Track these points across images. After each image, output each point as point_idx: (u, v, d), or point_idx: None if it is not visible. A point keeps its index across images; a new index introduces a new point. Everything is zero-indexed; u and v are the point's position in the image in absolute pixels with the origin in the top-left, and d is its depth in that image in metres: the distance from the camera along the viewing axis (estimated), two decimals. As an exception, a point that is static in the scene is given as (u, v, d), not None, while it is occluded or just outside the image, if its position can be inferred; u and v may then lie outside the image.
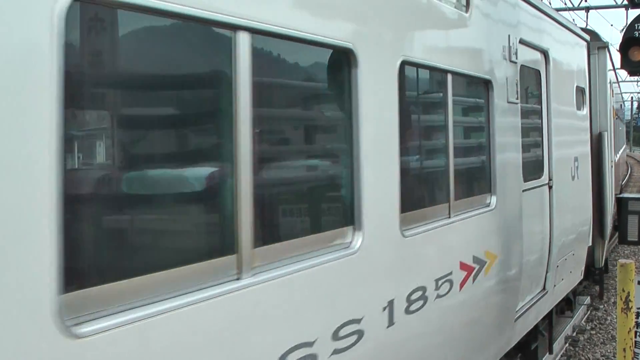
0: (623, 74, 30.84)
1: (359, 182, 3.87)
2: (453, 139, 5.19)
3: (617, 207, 11.00)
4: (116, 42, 2.70)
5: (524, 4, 7.12)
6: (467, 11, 5.54)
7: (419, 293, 4.55)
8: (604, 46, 11.45)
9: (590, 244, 10.39)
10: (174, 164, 3.00)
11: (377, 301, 4.07)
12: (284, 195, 3.62)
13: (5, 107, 2.13)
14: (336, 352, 3.63)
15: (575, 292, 10.55)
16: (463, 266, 5.29)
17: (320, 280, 3.55)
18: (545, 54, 7.81)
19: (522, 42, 6.91)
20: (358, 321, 3.83)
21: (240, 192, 3.04)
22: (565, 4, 27.23)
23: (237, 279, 3.04)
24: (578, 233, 9.30)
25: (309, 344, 3.43)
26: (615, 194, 13.13)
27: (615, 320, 9.60)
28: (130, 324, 2.50)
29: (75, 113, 2.50)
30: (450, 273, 5.05)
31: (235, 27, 3.03)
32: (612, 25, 56.98)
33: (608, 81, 11.75)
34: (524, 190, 6.87)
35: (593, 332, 11.04)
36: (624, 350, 6.20)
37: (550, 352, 8.69)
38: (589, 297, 11.77)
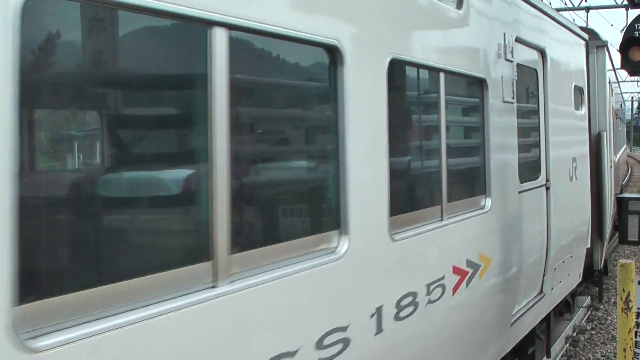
0: (623, 74, 30.71)
1: (345, 185, 3.72)
2: (446, 140, 5.05)
3: (618, 207, 10.94)
4: (78, 39, 2.55)
5: (521, 2, 6.98)
6: (460, 8, 5.40)
7: (410, 299, 4.40)
8: (603, 45, 11.29)
9: (589, 245, 10.24)
10: (144, 166, 2.86)
11: (365, 308, 3.92)
12: (264, 199, 3.47)
13: None
14: None
15: (574, 294, 10.42)
16: (456, 270, 5.14)
17: (302, 287, 3.40)
18: (542, 52, 7.66)
19: (518, 40, 6.77)
20: (344, 329, 3.68)
21: (215, 196, 2.89)
22: (565, 4, 27.20)
23: (213, 286, 2.89)
24: (576, 235, 9.16)
25: (291, 354, 3.28)
26: (615, 194, 13.02)
27: (615, 320, 9.55)
28: (93, 336, 2.35)
29: (33, 113, 2.35)
30: (443, 277, 4.90)
31: (211, 23, 2.89)
32: (612, 25, 56.95)
33: (607, 80, 11.60)
34: (520, 192, 6.72)
35: (593, 332, 10.98)
36: (624, 350, 6.17)
37: (548, 355, 8.55)
38: (589, 297, 11.68)
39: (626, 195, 12.17)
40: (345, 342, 3.69)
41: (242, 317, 3.01)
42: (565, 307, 10.13)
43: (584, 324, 11.14)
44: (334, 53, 3.71)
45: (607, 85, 11.62)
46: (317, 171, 3.86)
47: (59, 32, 2.45)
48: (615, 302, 11.45)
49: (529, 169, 7.40)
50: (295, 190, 3.72)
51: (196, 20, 2.84)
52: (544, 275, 7.66)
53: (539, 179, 7.55)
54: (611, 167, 12.29)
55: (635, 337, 6.21)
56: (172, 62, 2.96)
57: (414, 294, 4.46)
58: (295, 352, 3.31)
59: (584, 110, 9.72)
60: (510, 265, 6.40)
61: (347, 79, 3.74)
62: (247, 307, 3.03)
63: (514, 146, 6.61)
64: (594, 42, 11.09)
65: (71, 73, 2.55)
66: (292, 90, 3.72)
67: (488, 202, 5.84)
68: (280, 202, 3.59)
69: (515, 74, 6.64)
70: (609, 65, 12.53)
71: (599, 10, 28.57)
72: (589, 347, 10.29)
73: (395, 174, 4.40)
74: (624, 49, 10.58)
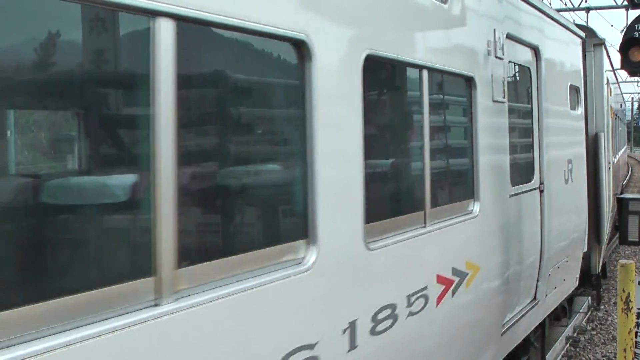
0: (623, 74, 30.43)
1: (313, 189, 3.43)
2: (429, 141, 4.75)
3: (618, 208, 10.79)
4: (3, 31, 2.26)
5: None
6: (445, 2, 5.11)
7: (388, 311, 4.12)
8: (600, 43, 10.99)
9: (586, 249, 9.95)
10: (79, 171, 2.58)
11: (336, 323, 3.63)
12: (218, 206, 3.17)
13: None
14: None
15: (571, 299, 10.14)
16: (440, 279, 4.85)
17: (263, 303, 3.11)
18: (535, 50, 7.37)
19: (509, 37, 6.48)
20: (311, 347, 3.40)
21: (159, 203, 2.60)
22: (566, 4, 27.05)
23: (155, 305, 2.61)
24: (572, 239, 8.86)
25: None
26: (614, 194, 12.79)
27: (616, 321, 9.39)
28: None
29: None
30: (425, 288, 4.61)
31: (154, 13, 2.60)
32: (612, 25, 56.72)
33: (605, 79, 11.30)
34: (511, 196, 6.44)
35: (594, 332, 10.87)
36: (625, 350, 6.13)
37: None
38: (589, 298, 11.49)
39: (626, 195, 12.06)
40: None
41: (190, 338, 2.72)
42: (563, 311, 9.86)
43: (585, 324, 10.99)
44: (301, 48, 3.43)
45: (605, 84, 11.32)
46: (281, 175, 3.57)
47: None
48: (615, 303, 11.35)
49: (522, 172, 7.12)
50: (256, 195, 3.42)
51: (136, 9, 2.56)
52: (537, 281, 7.37)
53: (533, 181, 7.27)
54: (609, 168, 12.00)
55: (636, 337, 6.17)
56: (109, 58, 2.67)
57: (392, 306, 4.17)
58: None
59: (580, 110, 9.43)
60: (500, 273, 6.11)
61: (316, 75, 3.46)
62: (196, 328, 2.74)
63: (505, 148, 6.33)
64: (590, 40, 10.79)
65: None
66: (252, 88, 3.42)
67: (476, 207, 5.55)
68: (238, 210, 3.29)
69: (506, 72, 6.35)
70: (607, 65, 12.24)
71: (599, 11, 28.47)
72: (589, 347, 10.20)
73: (372, 178, 4.12)
74: (624, 49, 10.52)
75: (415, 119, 4.74)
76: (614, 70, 16.21)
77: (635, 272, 6.16)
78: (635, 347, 6.18)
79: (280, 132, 3.61)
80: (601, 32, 11.35)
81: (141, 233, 2.66)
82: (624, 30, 11.37)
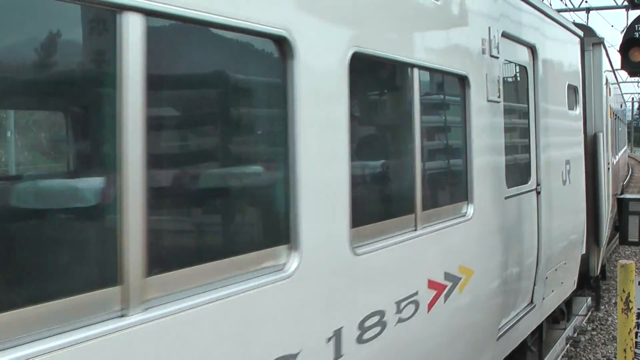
0: (624, 74, 30.30)
1: (295, 193, 3.29)
2: (420, 142, 4.60)
3: (618, 208, 10.73)
4: None
5: None
6: None
7: (376, 318, 3.97)
8: (599, 42, 10.82)
9: (585, 251, 9.79)
10: (41, 174, 2.43)
11: (319, 331, 3.48)
12: (192, 210, 3.02)
13: None
14: None
15: (569, 301, 9.99)
16: (432, 284, 4.70)
17: (241, 312, 2.96)
18: (532, 49, 7.22)
19: (505, 35, 6.33)
20: (293, 357, 3.25)
21: (126, 208, 2.46)
22: (566, 4, 26.99)
23: (122, 315, 2.46)
24: (570, 241, 8.71)
25: None
26: (613, 195, 12.66)
27: (616, 321, 9.30)
28: None
29: None
30: (416, 293, 4.46)
31: (120, 7, 2.46)
32: (612, 26, 56.59)
33: (604, 79, 11.14)
34: (507, 197, 6.29)
35: (594, 332, 10.83)
36: (625, 351, 6.11)
37: None
38: (589, 299, 11.39)
39: (627, 196, 12.02)
40: None
41: (160, 351, 2.57)
42: (561, 314, 9.71)
43: (585, 324, 10.92)
44: (282, 45, 3.28)
45: (604, 84, 11.16)
46: (260, 177, 3.41)
47: None
48: (616, 303, 11.27)
49: (518, 173, 6.97)
50: (234, 199, 3.27)
51: (101, 3, 2.41)
52: (534, 284, 7.22)
53: (529, 183, 7.11)
54: (609, 169, 11.85)
55: (636, 337, 6.15)
56: (70, 55, 2.52)
57: (381, 313, 4.03)
58: None
59: (578, 111, 9.27)
60: (495, 276, 5.97)
61: (298, 73, 3.32)
62: (167, 339, 2.60)
63: (500, 148, 6.18)
64: (589, 39, 10.62)
65: None
66: (228, 86, 3.26)
67: (470, 209, 5.40)
68: (214, 214, 3.14)
69: (502, 71, 6.20)
70: (606, 64, 12.09)
71: (599, 11, 28.42)
72: (589, 347, 10.16)
73: (360, 180, 3.98)
74: (624, 49, 10.53)
75: (405, 119, 4.59)
76: (613, 70, 16.06)
77: (635, 272, 6.13)
78: (635, 348, 6.16)
79: (260, 133, 3.46)
80: (601, 33, 11.24)
81: (107, 239, 2.51)
82: (624, 30, 11.40)
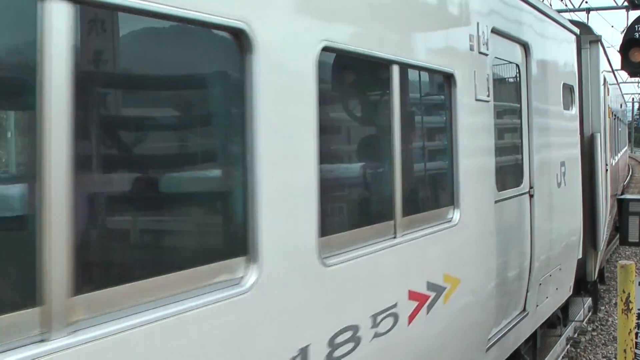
0: (624, 75, 30.04)
1: (254, 199, 3.00)
2: (401, 144, 4.30)
3: (618, 209, 10.63)
4: None
5: None
6: None
7: (348, 334, 3.68)
8: (596, 40, 10.51)
9: (581, 256, 9.50)
10: None
11: (283, 351, 3.20)
12: (130, 220, 2.73)
13: None
14: None
15: (566, 308, 9.70)
16: (413, 295, 4.41)
17: (189, 332, 2.67)
18: (525, 46, 6.93)
19: (495, 32, 6.04)
20: None
21: (48, 217, 2.17)
22: (566, 5, 26.84)
23: (42, 340, 2.18)
24: (565, 245, 8.41)
25: None
26: (612, 195, 12.43)
27: (616, 322, 9.12)
28: None
29: None
30: (395, 305, 4.17)
31: None
32: (612, 26, 56.32)
33: (601, 78, 10.84)
34: (497, 201, 6.00)
35: (594, 333, 10.84)
36: (625, 351, 6.12)
37: None
38: (589, 299, 11.21)
39: (627, 196, 12.01)
40: None
41: None
42: (558, 319, 9.43)
43: (585, 325, 10.81)
44: (240, 38, 3.00)
45: (602, 83, 10.86)
46: (214, 181, 3.11)
47: None
48: (616, 304, 11.14)
49: (510, 175, 6.68)
50: (182, 206, 2.97)
51: None
52: (527, 291, 6.93)
53: (522, 186, 6.82)
54: (607, 170, 11.56)
55: (636, 338, 6.15)
56: None
57: (354, 328, 3.74)
58: None
59: (574, 110, 8.97)
60: (484, 285, 5.68)
61: (258, 70, 3.03)
62: None
63: (490, 150, 5.89)
64: (586, 36, 10.32)
65: None
66: (174, 83, 2.97)
67: (456, 215, 5.11)
68: (157, 223, 2.85)
69: (492, 69, 5.92)
70: (604, 63, 11.80)
71: (599, 12, 28.27)
72: (590, 348, 10.15)
73: (331, 185, 3.69)
74: (625, 50, 10.52)
75: (384, 119, 4.30)
76: (613, 70, 15.77)
77: (636, 272, 6.11)
78: (636, 348, 6.14)
79: (213, 133, 3.16)
80: (602, 33, 11.02)
81: (25, 253, 2.23)
82: (624, 31, 11.42)
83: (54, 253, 2.19)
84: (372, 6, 4.06)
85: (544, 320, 7.86)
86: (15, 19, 2.24)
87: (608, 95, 12.44)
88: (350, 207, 4.22)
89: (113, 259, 2.60)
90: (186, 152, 3.00)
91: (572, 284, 9.01)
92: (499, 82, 6.60)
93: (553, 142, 7.81)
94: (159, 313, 2.53)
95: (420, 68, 4.68)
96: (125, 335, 2.40)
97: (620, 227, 10.70)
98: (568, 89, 8.63)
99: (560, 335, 9.42)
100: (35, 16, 2.17)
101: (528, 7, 7.08)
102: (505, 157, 6.66)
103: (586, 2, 29.43)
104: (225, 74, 3.09)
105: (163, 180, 2.84)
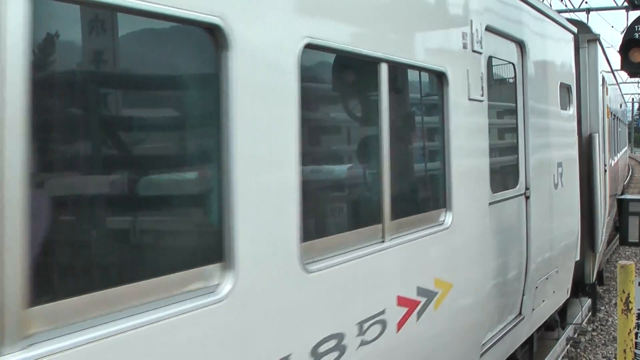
0: (624, 75, 29.93)
1: (230, 203, 2.86)
2: (390, 145, 4.16)
3: (618, 209, 10.61)
4: None
5: None
6: None
7: (332, 342, 3.54)
8: (595, 39, 10.33)
9: (579, 258, 9.35)
10: None
11: None
12: (95, 223, 2.58)
13: None
14: None
15: (564, 310, 9.55)
16: (402, 301, 4.27)
17: (159, 344, 2.54)
18: (521, 45, 6.79)
19: (490, 30, 5.90)
20: None
21: (1, 222, 2.03)
22: (566, 5, 26.80)
23: None
24: (563, 248, 8.27)
25: None
26: (611, 195, 12.30)
27: (616, 322, 9.02)
28: None
29: None
30: (383, 312, 4.03)
31: None
32: (612, 27, 56.21)
33: (600, 77, 10.68)
34: (491, 203, 5.86)
35: (594, 333, 10.86)
36: (625, 351, 6.13)
37: None
38: (589, 300, 11.16)
39: (627, 196, 11.97)
40: None
41: None
42: (555, 321, 9.28)
43: (585, 325, 10.81)
44: (216, 34, 2.86)
45: (600, 83, 10.70)
46: (187, 184, 2.96)
47: None
48: (616, 304, 11.10)
49: (505, 177, 6.55)
50: (153, 210, 2.82)
51: None
52: (523, 295, 6.79)
53: (517, 187, 6.68)
54: (605, 171, 11.41)
55: (636, 338, 6.16)
56: None
57: (339, 336, 3.60)
58: None
59: (572, 110, 8.82)
60: (477, 289, 5.54)
61: (235, 67, 2.89)
62: None
63: (484, 151, 5.75)
64: (584, 35, 10.15)
65: None
66: (143, 81, 2.82)
67: (448, 218, 4.97)
68: (126, 228, 2.69)
69: (486, 68, 5.78)
70: (603, 62, 11.64)
71: (599, 12, 28.22)
72: (590, 348, 10.16)
73: (314, 187, 3.56)
74: (625, 50, 10.63)
75: (371, 119, 4.16)
76: (612, 70, 15.61)
77: (635, 273, 6.10)
78: (635, 348, 6.15)
79: (186, 134, 3.01)
80: (602, 33, 10.89)
81: None
82: (624, 31, 11.56)
83: (7, 259, 2.05)
84: (359, 2, 3.92)
85: (540, 324, 7.72)
86: None
87: (607, 94, 12.29)
88: (335, 210, 4.08)
89: (75, 267, 2.45)
90: (157, 152, 2.85)
91: (569, 286, 8.87)
92: (494, 81, 6.47)
93: (550, 143, 7.67)
94: (125, 324, 2.39)
95: (410, 66, 4.55)
96: (88, 348, 2.26)
97: (620, 228, 10.64)
98: (565, 88, 8.49)
99: (557, 339, 9.29)
100: None
101: (524, 5, 6.94)
102: (500, 158, 6.52)
103: (586, 3, 29.43)
104: (199, 71, 2.95)
105: (131, 182, 2.70)
